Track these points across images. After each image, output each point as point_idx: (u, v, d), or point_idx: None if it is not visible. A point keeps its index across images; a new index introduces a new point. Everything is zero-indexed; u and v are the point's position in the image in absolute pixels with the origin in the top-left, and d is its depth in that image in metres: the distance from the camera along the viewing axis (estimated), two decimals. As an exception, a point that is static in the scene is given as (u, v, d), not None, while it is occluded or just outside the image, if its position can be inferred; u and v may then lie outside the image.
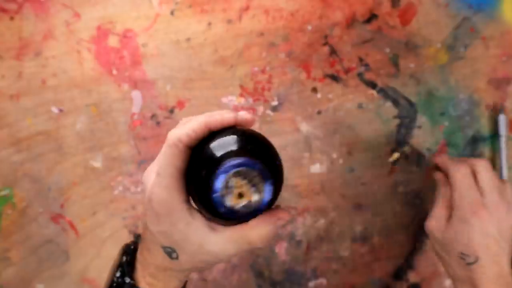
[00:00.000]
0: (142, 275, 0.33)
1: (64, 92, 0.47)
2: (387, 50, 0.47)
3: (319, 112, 0.47)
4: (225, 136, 0.29)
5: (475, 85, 0.47)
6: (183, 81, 0.47)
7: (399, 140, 0.48)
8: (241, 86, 0.47)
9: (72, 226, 0.48)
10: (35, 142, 0.47)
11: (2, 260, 0.48)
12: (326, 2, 0.46)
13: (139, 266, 0.34)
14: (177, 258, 0.31)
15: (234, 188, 0.20)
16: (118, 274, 0.34)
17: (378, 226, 0.48)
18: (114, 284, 0.34)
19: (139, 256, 0.34)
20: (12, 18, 0.46)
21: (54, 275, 0.49)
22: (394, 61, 0.47)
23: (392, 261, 0.49)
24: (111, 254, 0.48)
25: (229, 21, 0.46)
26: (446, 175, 0.42)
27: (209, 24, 0.46)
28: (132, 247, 0.36)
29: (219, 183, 0.20)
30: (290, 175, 0.48)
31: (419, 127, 0.47)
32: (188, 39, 0.47)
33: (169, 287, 0.33)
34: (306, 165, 0.48)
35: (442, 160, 0.43)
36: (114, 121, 0.47)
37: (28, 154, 0.47)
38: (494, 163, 0.46)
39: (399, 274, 0.49)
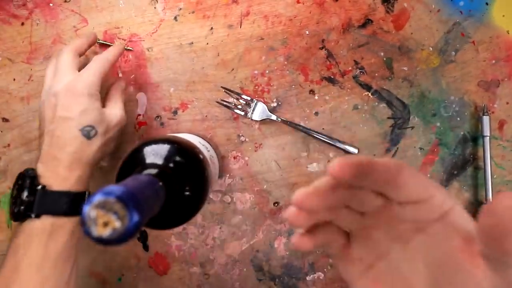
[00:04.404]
0: (54, 180, 0.38)
1: (72, 94, 0.49)
2: (381, 53, 0.49)
3: (316, 113, 0.49)
4: (127, 155, 0.35)
5: (465, 87, 0.49)
6: (186, 84, 0.49)
7: (393, 140, 0.49)
8: (242, 89, 0.49)
9: (80, 222, 0.50)
10: (45, 142, 0.49)
11: (13, 255, 0.50)
12: (323, 8, 0.48)
13: (47, 174, 0.38)
14: (95, 134, 0.39)
15: (97, 219, 0.21)
16: (25, 194, 0.38)
17: (373, 223, 0.50)
18: (25, 199, 0.38)
19: (41, 166, 0.39)
20: (23, 24, 0.48)
21: (63, 270, 0.51)
22: (388, 64, 0.49)
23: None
24: (118, 248, 0.50)
25: (230, 26, 0.48)
26: None
27: (211, 29, 0.48)
28: (27, 172, 0.40)
29: (83, 216, 0.22)
30: (289, 174, 0.50)
31: (412, 127, 0.49)
32: (191, 43, 0.48)
33: (83, 177, 0.39)
34: (304, 164, 0.50)
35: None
36: (120, 122, 0.49)
37: (38, 153, 0.49)
38: (484, 163, 0.48)
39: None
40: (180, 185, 0.33)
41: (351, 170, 0.20)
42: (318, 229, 0.25)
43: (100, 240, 0.22)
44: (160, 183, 0.29)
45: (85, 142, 0.39)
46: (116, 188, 0.22)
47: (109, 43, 0.48)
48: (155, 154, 0.33)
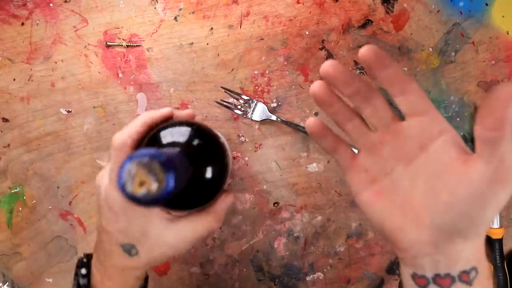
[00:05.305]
0: (100, 281, 0.33)
1: (72, 94, 0.49)
2: (381, 54, 0.49)
3: (316, 114, 0.49)
4: (155, 131, 0.33)
5: (465, 88, 0.49)
6: (186, 84, 0.49)
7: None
8: (242, 89, 0.49)
9: (80, 222, 0.50)
10: (45, 142, 0.49)
11: (13, 255, 0.50)
12: (323, 8, 0.48)
13: (95, 273, 0.34)
14: (136, 254, 0.32)
15: (135, 177, 0.21)
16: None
17: (373, 223, 0.50)
18: None
19: (95, 262, 0.34)
20: (23, 24, 0.48)
21: (63, 270, 0.51)
22: (388, 65, 0.49)
23: (386, 256, 0.51)
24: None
25: (230, 27, 0.48)
26: None
27: (211, 29, 0.48)
28: (85, 260, 0.36)
29: (122, 171, 0.21)
30: (289, 174, 0.50)
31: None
32: (191, 44, 0.48)
33: (127, 287, 0.33)
34: (304, 164, 0.50)
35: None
36: (120, 122, 0.49)
37: (38, 153, 0.49)
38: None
39: (392, 268, 0.51)
40: (203, 165, 0.32)
41: (377, 54, 0.26)
42: (330, 132, 0.31)
43: (132, 197, 0.22)
44: (187, 160, 0.28)
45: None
46: (161, 152, 0.22)
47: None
48: (178, 134, 0.32)
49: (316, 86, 0.29)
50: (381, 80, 0.27)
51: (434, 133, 0.27)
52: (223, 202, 0.33)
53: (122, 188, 0.21)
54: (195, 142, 0.33)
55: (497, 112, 0.22)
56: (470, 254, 0.26)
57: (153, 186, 0.21)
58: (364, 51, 0.26)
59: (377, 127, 0.29)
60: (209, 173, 0.33)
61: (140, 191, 0.21)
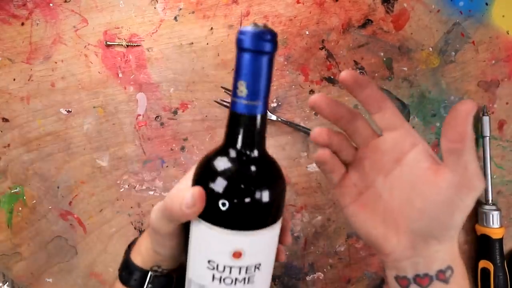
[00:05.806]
0: (140, 237, 0.37)
1: (72, 94, 0.49)
2: (381, 54, 0.49)
3: (316, 113, 0.49)
4: None
5: (465, 88, 0.49)
6: (186, 84, 0.49)
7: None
8: (242, 89, 0.49)
9: (80, 222, 0.50)
10: (45, 142, 0.49)
11: (13, 255, 0.50)
12: (323, 8, 0.48)
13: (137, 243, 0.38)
14: None
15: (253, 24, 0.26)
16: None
17: (373, 223, 0.50)
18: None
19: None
20: (23, 24, 0.48)
21: (63, 270, 0.51)
22: (388, 65, 0.49)
23: (386, 256, 0.51)
24: (117, 249, 0.50)
25: (230, 26, 0.48)
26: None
27: (211, 29, 0.48)
28: None
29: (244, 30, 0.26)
30: (288, 173, 0.50)
31: (412, 127, 0.49)
32: (191, 44, 0.48)
33: (145, 251, 0.36)
34: (304, 164, 0.50)
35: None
36: (120, 122, 0.49)
37: (38, 153, 0.49)
38: (484, 163, 0.48)
39: (393, 268, 0.51)
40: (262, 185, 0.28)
41: (354, 77, 0.30)
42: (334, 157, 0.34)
43: (244, 37, 0.26)
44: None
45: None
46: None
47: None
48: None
49: (317, 133, 0.33)
50: (360, 101, 0.31)
51: (407, 146, 0.30)
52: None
53: (241, 32, 0.26)
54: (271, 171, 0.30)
55: (458, 127, 0.26)
56: (445, 255, 0.30)
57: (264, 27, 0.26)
58: (344, 75, 0.30)
59: (359, 144, 0.33)
60: (259, 195, 0.28)
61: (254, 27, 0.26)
